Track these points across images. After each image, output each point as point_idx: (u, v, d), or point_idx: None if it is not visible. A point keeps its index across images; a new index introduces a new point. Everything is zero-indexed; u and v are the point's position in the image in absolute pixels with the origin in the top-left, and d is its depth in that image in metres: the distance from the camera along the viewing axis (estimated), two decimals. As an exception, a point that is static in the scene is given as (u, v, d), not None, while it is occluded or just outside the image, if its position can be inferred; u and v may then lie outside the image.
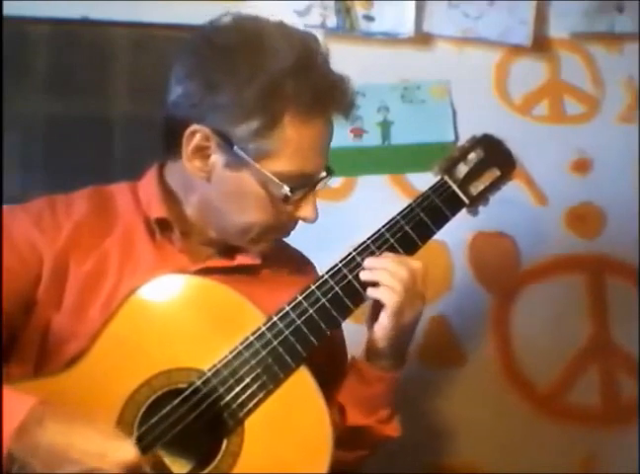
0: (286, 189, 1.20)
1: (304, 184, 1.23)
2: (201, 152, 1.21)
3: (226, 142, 1.19)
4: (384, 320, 1.25)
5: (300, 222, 1.28)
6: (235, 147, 1.19)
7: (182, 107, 1.22)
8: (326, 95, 1.20)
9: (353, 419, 1.32)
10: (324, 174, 1.26)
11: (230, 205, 1.24)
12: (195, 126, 1.20)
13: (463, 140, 1.37)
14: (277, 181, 1.20)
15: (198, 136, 1.20)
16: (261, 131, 1.18)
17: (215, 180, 1.23)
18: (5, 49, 1.88)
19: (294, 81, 1.17)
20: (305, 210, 1.25)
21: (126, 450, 1.07)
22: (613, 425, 2.01)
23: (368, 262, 1.25)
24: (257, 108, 1.17)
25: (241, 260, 1.30)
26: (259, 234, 1.26)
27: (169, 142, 1.25)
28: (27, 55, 1.94)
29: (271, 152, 1.19)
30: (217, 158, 1.21)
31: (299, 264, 1.41)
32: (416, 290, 1.25)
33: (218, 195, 1.24)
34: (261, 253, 1.30)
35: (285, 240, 1.40)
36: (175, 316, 1.21)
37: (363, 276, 1.25)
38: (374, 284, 1.25)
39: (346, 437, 1.29)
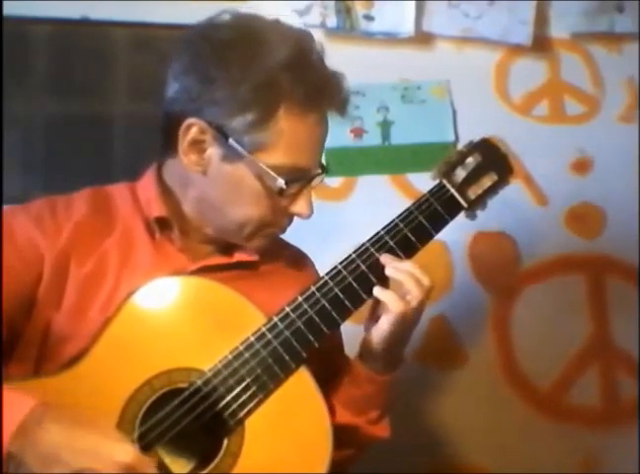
0: (281, 181, 1.20)
1: (299, 178, 1.23)
2: (198, 146, 1.22)
3: (222, 135, 1.19)
4: (384, 325, 1.25)
5: (299, 221, 1.28)
6: (230, 140, 1.19)
7: (179, 102, 1.22)
8: (320, 90, 1.20)
9: (341, 417, 1.30)
10: (319, 171, 1.26)
11: (226, 200, 1.24)
12: (191, 120, 1.20)
13: (463, 140, 1.38)
14: (272, 173, 1.20)
15: (194, 130, 1.21)
16: (256, 124, 1.18)
17: (211, 174, 1.23)
18: (5, 49, 1.88)
19: (289, 75, 1.18)
20: (300, 206, 1.25)
21: (125, 451, 1.06)
22: (613, 425, 2.01)
23: (389, 262, 1.25)
24: (252, 101, 1.17)
25: (239, 257, 1.30)
26: (254, 229, 1.26)
27: (167, 138, 1.26)
28: (27, 55, 1.94)
29: (265, 145, 1.19)
30: (213, 151, 1.22)
31: (296, 258, 1.41)
32: (424, 303, 1.25)
33: (215, 189, 1.24)
34: (258, 249, 1.30)
35: (285, 239, 1.41)
36: (175, 317, 1.21)
37: (389, 272, 1.24)
38: (384, 284, 1.24)
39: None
